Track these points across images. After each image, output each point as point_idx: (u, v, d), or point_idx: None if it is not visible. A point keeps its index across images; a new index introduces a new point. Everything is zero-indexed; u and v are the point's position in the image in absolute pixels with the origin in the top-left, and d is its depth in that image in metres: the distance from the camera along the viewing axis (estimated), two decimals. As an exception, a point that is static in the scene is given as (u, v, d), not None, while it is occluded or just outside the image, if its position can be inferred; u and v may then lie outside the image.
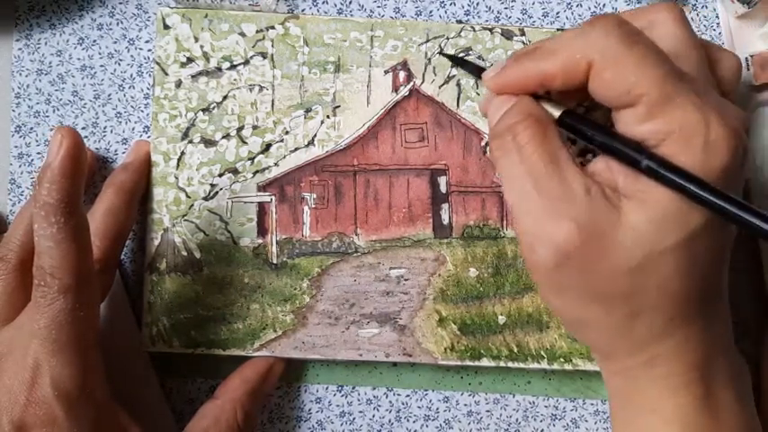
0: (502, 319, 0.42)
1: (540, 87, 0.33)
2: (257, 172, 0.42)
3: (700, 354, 0.32)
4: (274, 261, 0.42)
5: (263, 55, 0.42)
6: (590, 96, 0.32)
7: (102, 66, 0.44)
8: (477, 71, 0.38)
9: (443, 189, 0.42)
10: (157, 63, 0.41)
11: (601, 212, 0.30)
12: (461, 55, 0.42)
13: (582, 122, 0.32)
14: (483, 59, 0.42)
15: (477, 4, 0.44)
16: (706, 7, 0.44)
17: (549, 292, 0.33)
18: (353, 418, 0.44)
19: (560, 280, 0.31)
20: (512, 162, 0.32)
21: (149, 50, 0.44)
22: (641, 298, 0.31)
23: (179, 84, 0.41)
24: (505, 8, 0.44)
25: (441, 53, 0.41)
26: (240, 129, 0.42)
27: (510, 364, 0.41)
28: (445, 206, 0.42)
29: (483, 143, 0.42)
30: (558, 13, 0.44)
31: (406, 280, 0.42)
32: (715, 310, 0.33)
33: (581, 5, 0.44)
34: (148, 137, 0.43)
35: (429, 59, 0.42)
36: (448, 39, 0.42)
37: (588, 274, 0.31)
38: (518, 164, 0.31)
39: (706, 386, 0.32)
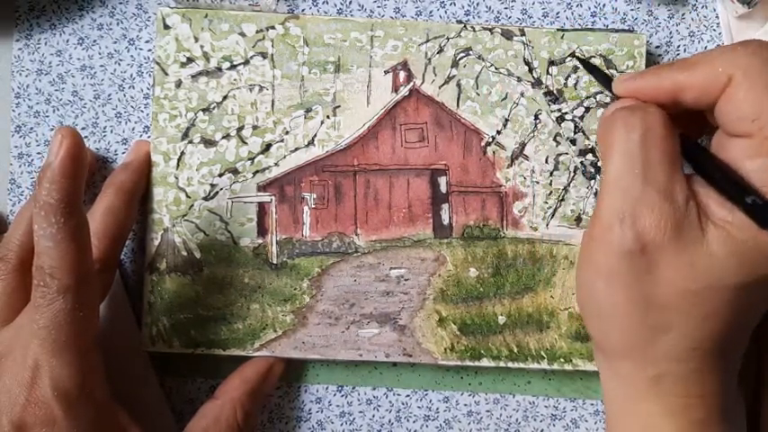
0: (502, 320, 0.42)
1: (671, 99, 0.32)
2: (257, 172, 0.42)
3: (707, 387, 0.32)
4: (274, 261, 0.42)
5: (263, 55, 0.42)
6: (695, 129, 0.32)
7: (102, 66, 0.44)
8: (605, 80, 0.38)
9: (443, 189, 0.42)
10: (157, 63, 0.41)
11: (690, 227, 0.30)
12: (461, 56, 0.42)
13: (695, 146, 0.32)
14: (483, 59, 0.42)
15: (477, 4, 0.44)
16: (706, 7, 0.44)
17: (599, 274, 0.32)
18: (353, 419, 0.44)
19: (620, 267, 0.31)
20: (630, 139, 0.31)
21: (149, 50, 0.44)
22: (680, 319, 0.31)
23: (179, 84, 0.41)
24: (505, 8, 0.44)
25: (574, 57, 0.41)
26: (240, 129, 0.42)
27: (510, 365, 0.41)
28: (445, 206, 0.42)
29: (483, 143, 0.42)
30: (557, 14, 0.44)
31: (406, 280, 0.42)
32: (736, 355, 0.33)
33: (581, 5, 0.44)
34: (148, 137, 0.43)
35: (429, 59, 0.42)
36: (448, 39, 0.42)
37: (648, 275, 0.31)
38: (637, 143, 0.31)
39: (705, 413, 0.32)
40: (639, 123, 0.32)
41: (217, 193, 0.42)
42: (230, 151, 0.42)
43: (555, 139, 0.42)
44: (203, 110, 0.41)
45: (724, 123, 0.31)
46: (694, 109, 0.33)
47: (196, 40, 0.41)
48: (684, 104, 0.32)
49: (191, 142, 0.41)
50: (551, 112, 0.42)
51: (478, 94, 0.42)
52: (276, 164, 0.42)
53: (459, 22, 0.43)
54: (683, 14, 0.44)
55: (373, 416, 0.44)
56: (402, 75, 0.42)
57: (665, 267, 0.31)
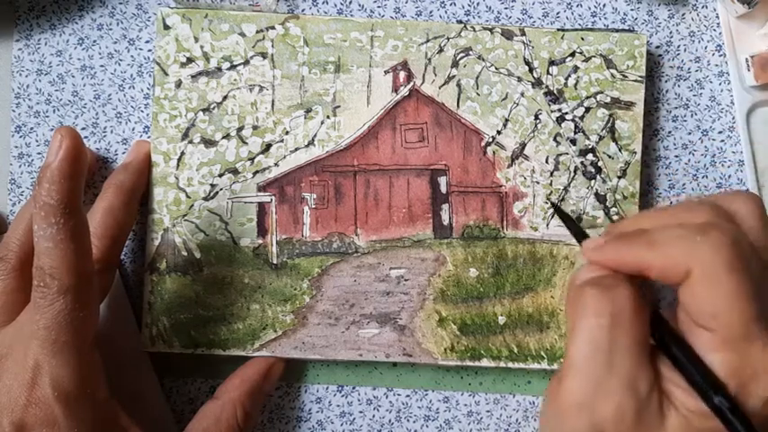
0: (502, 320, 0.42)
1: (636, 272, 0.32)
2: (257, 172, 0.42)
3: None
4: (274, 261, 0.42)
5: (263, 55, 0.42)
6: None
7: (102, 66, 0.44)
8: (579, 235, 0.36)
9: (443, 189, 0.42)
10: (157, 63, 0.41)
11: (651, 416, 0.30)
12: (461, 56, 0.41)
13: (666, 326, 0.32)
14: (483, 59, 0.42)
15: (478, 4, 0.44)
16: (706, 7, 0.44)
17: (551, 427, 0.32)
18: (353, 419, 0.44)
19: None
20: (599, 324, 0.30)
21: (149, 50, 0.44)
22: None
23: (179, 84, 0.41)
24: (505, 8, 0.44)
25: (551, 205, 0.41)
26: (240, 129, 0.42)
27: (510, 365, 0.41)
28: (445, 206, 0.42)
29: (483, 143, 0.42)
30: (558, 14, 0.44)
31: (406, 280, 0.42)
32: None
33: (581, 5, 0.44)
34: (148, 137, 0.43)
35: (429, 59, 0.42)
36: (448, 39, 0.42)
37: None
38: (605, 329, 0.30)
39: None
40: (608, 307, 0.30)
41: (217, 193, 0.42)
42: (230, 151, 0.42)
43: (555, 139, 0.42)
44: (203, 110, 0.41)
45: (686, 309, 0.31)
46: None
47: (196, 40, 0.41)
48: (650, 278, 0.32)
49: (191, 142, 0.41)
50: (551, 112, 0.42)
51: (478, 94, 0.42)
52: (276, 164, 0.42)
53: (460, 22, 0.43)
54: (683, 14, 0.44)
55: (373, 416, 0.44)
56: (402, 75, 0.42)
57: None
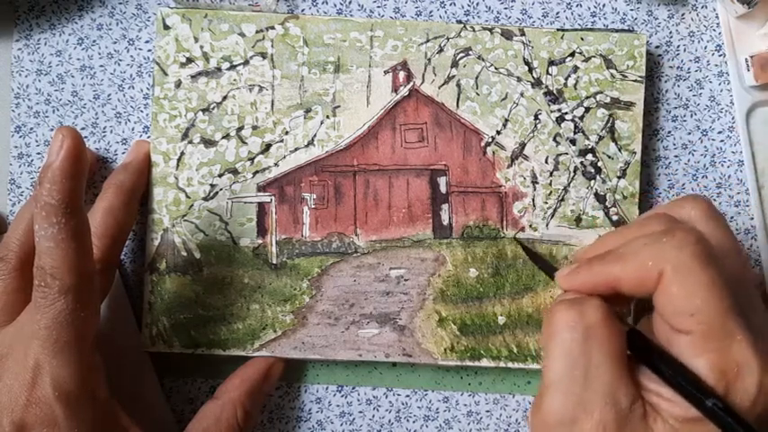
0: (502, 320, 0.42)
1: (611, 290, 0.32)
2: (257, 172, 0.42)
3: None
4: (274, 261, 0.42)
5: (263, 55, 0.42)
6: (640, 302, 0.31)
7: (101, 66, 0.44)
8: (549, 269, 0.37)
9: (443, 189, 0.42)
10: (157, 63, 0.41)
11: (635, 429, 0.30)
12: (461, 56, 0.42)
13: (645, 341, 0.32)
14: (483, 59, 0.42)
15: (477, 4, 0.44)
16: (706, 7, 0.44)
17: None
18: (353, 419, 0.44)
19: None
20: (572, 338, 0.30)
21: (149, 50, 0.44)
22: None
23: (179, 84, 0.41)
24: (505, 8, 0.44)
25: (517, 242, 0.41)
26: (240, 129, 0.42)
27: (510, 365, 0.41)
28: (445, 206, 0.42)
29: (483, 143, 0.42)
30: (557, 14, 0.44)
31: (405, 280, 0.42)
32: None
33: (581, 5, 0.44)
34: (148, 137, 0.43)
35: (429, 59, 0.42)
36: (448, 39, 0.42)
37: None
38: (578, 343, 0.30)
39: None
40: (580, 321, 0.31)
41: (217, 193, 0.42)
42: (230, 151, 0.42)
43: (555, 140, 0.42)
44: (203, 110, 0.41)
45: (663, 316, 0.31)
46: (637, 297, 0.32)
47: (196, 40, 0.41)
48: (624, 295, 0.32)
49: (190, 142, 0.41)
50: (551, 112, 0.42)
51: (478, 94, 0.42)
52: (276, 164, 0.42)
53: (459, 22, 0.43)
54: (683, 14, 0.44)
55: (373, 416, 0.44)
56: (402, 75, 0.42)
57: None
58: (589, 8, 0.44)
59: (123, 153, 0.44)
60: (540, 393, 0.32)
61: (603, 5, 0.44)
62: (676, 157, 0.44)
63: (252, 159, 0.42)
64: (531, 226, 0.42)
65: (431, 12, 0.44)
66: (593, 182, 0.42)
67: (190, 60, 0.41)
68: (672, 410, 0.30)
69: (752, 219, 0.44)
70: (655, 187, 0.44)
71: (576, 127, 0.42)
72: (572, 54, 0.42)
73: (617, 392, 0.30)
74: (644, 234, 0.31)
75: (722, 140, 0.44)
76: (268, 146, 0.42)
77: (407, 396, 0.44)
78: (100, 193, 0.40)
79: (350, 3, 0.44)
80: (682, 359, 0.30)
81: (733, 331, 0.29)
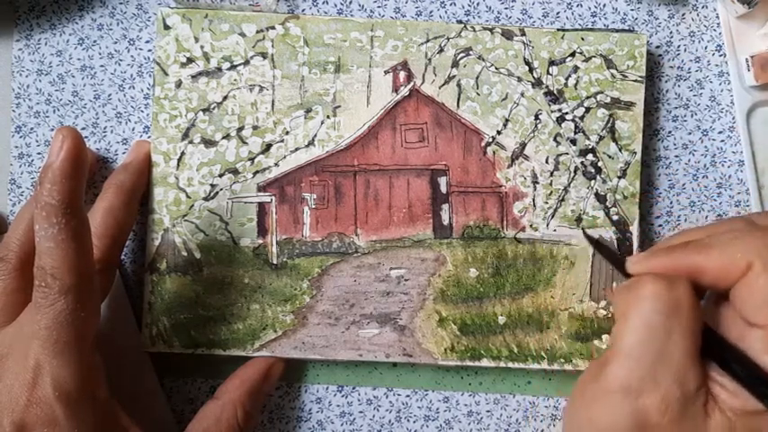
0: (502, 320, 0.42)
1: (689, 279, 0.32)
2: (257, 172, 0.42)
3: None
4: (274, 261, 0.42)
5: (263, 55, 0.42)
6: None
7: (102, 66, 0.44)
8: (616, 261, 0.36)
9: (444, 189, 0.42)
10: (157, 63, 0.41)
11: (695, 413, 0.30)
12: (461, 56, 0.42)
13: (714, 335, 0.32)
14: (483, 59, 0.42)
15: (478, 4, 0.44)
16: (706, 7, 0.44)
17: (592, 428, 0.32)
18: (354, 419, 0.44)
19: (611, 420, 0.31)
20: (656, 310, 0.30)
21: (149, 51, 0.44)
22: None
23: (179, 84, 0.41)
24: (505, 8, 0.44)
25: (583, 232, 0.41)
26: (240, 129, 0.42)
27: (510, 365, 0.41)
28: (445, 206, 0.42)
29: (483, 143, 0.42)
30: (558, 13, 0.44)
31: (406, 280, 0.42)
32: None
33: (581, 5, 0.44)
34: (148, 137, 0.43)
35: (429, 59, 0.42)
36: (448, 39, 0.42)
37: None
38: (662, 317, 0.30)
39: None
40: (668, 294, 0.31)
41: (217, 193, 0.42)
42: (230, 151, 0.42)
43: (555, 140, 0.42)
44: (203, 110, 0.41)
45: (741, 309, 0.31)
46: (709, 289, 0.32)
47: (196, 40, 0.41)
48: (700, 285, 0.32)
49: (191, 142, 0.41)
50: (551, 112, 0.42)
51: (478, 94, 0.42)
52: (276, 164, 0.42)
53: (460, 22, 0.43)
54: (683, 14, 0.44)
55: (373, 416, 0.44)
56: (402, 75, 0.42)
57: None
58: (589, 8, 0.44)
59: (124, 153, 0.44)
60: (602, 360, 0.31)
61: (604, 5, 0.44)
62: (677, 157, 0.44)
63: (252, 159, 0.42)
64: (531, 226, 0.42)
65: (431, 12, 0.44)
66: (593, 182, 0.42)
67: (190, 60, 0.41)
68: (731, 402, 0.30)
69: (752, 219, 0.44)
70: (655, 187, 0.44)
71: (576, 127, 0.42)
72: (572, 54, 0.42)
73: (688, 373, 0.30)
74: (732, 229, 0.31)
75: (722, 140, 0.44)
76: (268, 146, 0.42)
77: (408, 396, 0.44)
78: (100, 193, 0.40)
79: (350, 3, 0.44)
80: (751, 354, 0.30)
81: None
